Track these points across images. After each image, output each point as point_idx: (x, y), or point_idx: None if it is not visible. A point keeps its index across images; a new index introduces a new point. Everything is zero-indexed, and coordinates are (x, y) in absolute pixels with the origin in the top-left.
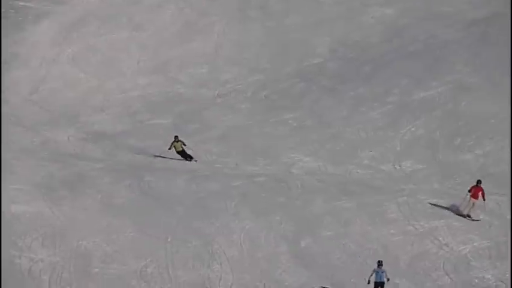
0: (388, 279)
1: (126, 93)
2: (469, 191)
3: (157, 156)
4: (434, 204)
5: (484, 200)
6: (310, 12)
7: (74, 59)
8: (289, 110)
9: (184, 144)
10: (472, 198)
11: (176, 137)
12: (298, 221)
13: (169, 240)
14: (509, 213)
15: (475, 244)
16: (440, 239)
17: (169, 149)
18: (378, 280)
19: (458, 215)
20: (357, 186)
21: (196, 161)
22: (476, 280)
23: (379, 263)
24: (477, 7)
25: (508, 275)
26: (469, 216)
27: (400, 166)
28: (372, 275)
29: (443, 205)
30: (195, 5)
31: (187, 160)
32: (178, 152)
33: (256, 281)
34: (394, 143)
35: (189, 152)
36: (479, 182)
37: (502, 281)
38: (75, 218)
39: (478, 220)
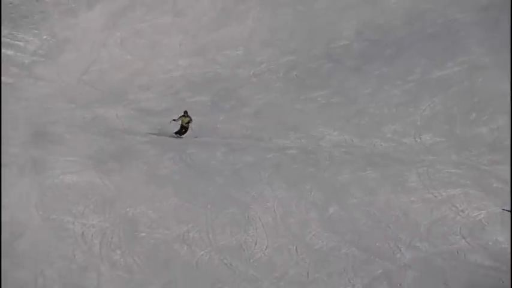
0: None
1: (169, 74)
2: None
3: (175, 121)
4: (452, 174)
5: None
6: None
7: (122, 43)
8: (318, 89)
9: (190, 121)
10: None
11: (185, 111)
12: (326, 190)
13: (209, 207)
14: None
15: (489, 210)
16: (457, 205)
17: (175, 120)
18: None
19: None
20: (381, 158)
21: (196, 137)
22: (490, 243)
23: None
24: None
25: None
26: None
27: (420, 139)
28: None
29: (460, 175)
30: None
31: (176, 136)
32: (182, 126)
33: (289, 245)
34: (414, 118)
35: (190, 130)
36: None
37: None
38: (123, 188)
39: None
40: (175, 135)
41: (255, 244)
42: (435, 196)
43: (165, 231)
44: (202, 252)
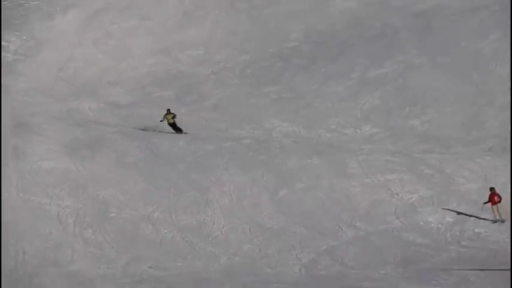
0: None
1: (136, 71)
2: (488, 201)
3: (161, 122)
4: (388, 161)
5: (499, 201)
6: (288, 4)
7: (94, 43)
8: (269, 85)
9: (175, 117)
10: (492, 205)
11: (168, 110)
12: (277, 175)
13: (172, 190)
14: (448, 168)
15: (420, 194)
16: (393, 189)
17: (162, 120)
18: None
19: (492, 221)
20: (325, 147)
21: (186, 133)
22: (421, 223)
23: None
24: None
25: (449, 219)
26: (502, 220)
27: (360, 130)
28: None
29: (395, 162)
30: None
31: (177, 133)
32: (169, 124)
33: (243, 224)
34: (355, 112)
35: (179, 125)
36: (492, 189)
37: (442, 224)
38: (94, 173)
39: (503, 221)
40: (180, 133)
41: (213, 224)
42: (373, 181)
43: (132, 212)
44: (165, 231)
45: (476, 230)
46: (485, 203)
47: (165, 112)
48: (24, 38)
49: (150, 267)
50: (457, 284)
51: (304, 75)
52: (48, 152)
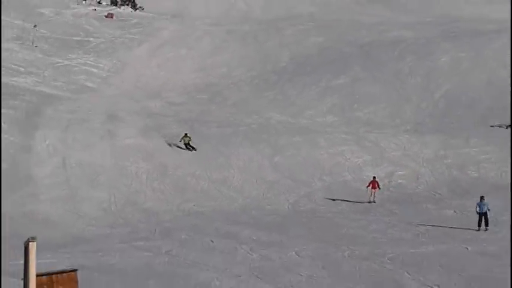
0: (489, 210)
1: (184, 82)
2: (368, 185)
3: (180, 142)
4: (343, 138)
5: (379, 188)
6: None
7: (158, 65)
8: (268, 91)
9: (190, 140)
10: (372, 189)
11: (186, 133)
12: (273, 148)
13: (207, 157)
14: (381, 142)
15: (364, 158)
16: (346, 156)
17: (180, 141)
18: (481, 211)
19: (367, 202)
20: (304, 130)
21: (196, 150)
22: (364, 177)
23: (482, 198)
24: (365, 37)
25: (381, 174)
26: (374, 201)
27: (325, 119)
28: (476, 207)
29: (348, 139)
30: (218, 36)
31: (190, 150)
32: (184, 144)
33: (252, 178)
34: (322, 107)
35: (192, 144)
36: (374, 177)
37: (377, 177)
38: (159, 146)
39: (375, 202)
40: (193, 150)
41: (233, 178)
42: (334, 151)
43: (183, 171)
44: (203, 183)
45: (399, 181)
46: (367, 186)
47: (183, 135)
48: (114, 61)
49: (194, 205)
50: (386, 215)
51: (290, 84)
52: (129, 133)
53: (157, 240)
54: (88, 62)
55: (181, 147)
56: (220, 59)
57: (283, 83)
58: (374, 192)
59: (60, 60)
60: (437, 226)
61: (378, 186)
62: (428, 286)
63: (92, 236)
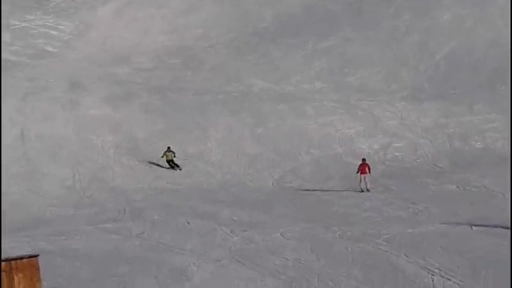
0: None
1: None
2: (358, 170)
3: (162, 158)
4: (333, 107)
5: (369, 172)
6: None
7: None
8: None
9: (174, 156)
10: (362, 174)
11: (168, 147)
12: (256, 118)
13: (182, 129)
14: (375, 110)
15: (356, 129)
16: (336, 126)
17: (162, 156)
18: None
19: (359, 191)
20: (289, 97)
21: (180, 169)
22: (356, 149)
23: None
24: None
25: (376, 146)
26: (367, 190)
27: (313, 85)
28: None
29: (338, 107)
30: None
31: (173, 169)
32: (167, 161)
33: (232, 152)
34: (310, 72)
35: (177, 161)
36: (363, 160)
37: (371, 149)
38: (127, 117)
39: (369, 190)
40: (176, 168)
41: (211, 152)
42: (323, 121)
43: (154, 145)
44: (178, 157)
45: (395, 154)
46: (357, 172)
47: (166, 150)
48: (76, 23)
49: (168, 183)
50: (382, 192)
51: (273, 47)
52: (94, 102)
53: (127, 222)
54: (47, 23)
55: (162, 166)
56: (194, 18)
57: (266, 45)
58: (364, 178)
59: (17, 23)
60: (437, 203)
61: (369, 170)
62: (428, 269)
63: (54, 218)
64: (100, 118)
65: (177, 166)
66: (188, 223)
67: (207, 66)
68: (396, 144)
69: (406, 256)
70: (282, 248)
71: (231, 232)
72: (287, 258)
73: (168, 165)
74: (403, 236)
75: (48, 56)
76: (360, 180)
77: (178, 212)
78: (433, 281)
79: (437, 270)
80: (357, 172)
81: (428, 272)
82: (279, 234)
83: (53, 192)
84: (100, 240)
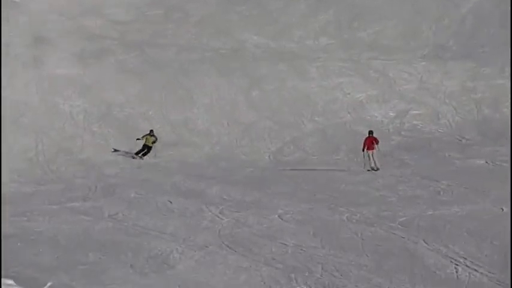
0: None
1: None
2: (363, 146)
3: (138, 140)
4: (341, 67)
5: (377, 147)
6: None
7: None
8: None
9: (155, 142)
10: (368, 150)
11: (151, 131)
12: (250, 79)
13: (163, 92)
14: (390, 71)
15: (367, 93)
16: (345, 90)
17: (139, 139)
18: None
19: (367, 170)
20: (289, 56)
21: (142, 159)
22: (368, 117)
23: None
24: None
25: (391, 113)
26: (374, 169)
27: (318, 41)
28: None
29: (347, 67)
30: None
31: (141, 156)
32: (145, 145)
33: (222, 120)
34: (314, 26)
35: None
36: (370, 133)
37: (385, 117)
38: (99, 78)
39: (378, 169)
40: (135, 156)
41: (197, 119)
42: (329, 83)
43: (131, 110)
44: (158, 125)
45: (414, 123)
46: (362, 149)
47: (148, 133)
48: None
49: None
50: (398, 167)
51: None
52: (61, 61)
53: (99, 201)
54: None
55: (120, 151)
56: None
57: None
58: (372, 155)
59: None
60: (463, 180)
61: (377, 143)
62: (452, 258)
63: (14, 195)
64: (68, 79)
65: (146, 154)
66: (170, 202)
67: (193, 19)
68: (415, 112)
69: (426, 242)
70: (279, 233)
71: (220, 213)
72: (286, 244)
73: (141, 150)
74: (423, 218)
75: (9, 6)
76: (368, 158)
77: (159, 189)
78: (457, 271)
79: (462, 259)
80: (363, 149)
81: (451, 261)
82: (276, 216)
83: (13, 165)
84: (67, 222)
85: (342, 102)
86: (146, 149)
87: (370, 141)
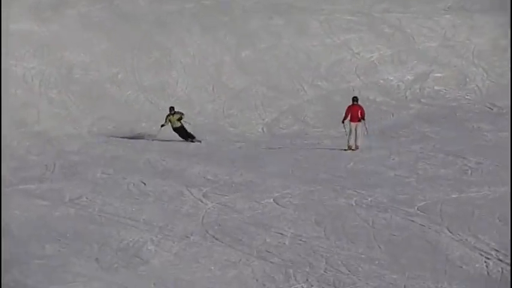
0: None
1: None
2: (345, 117)
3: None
4: (349, 21)
5: (363, 119)
6: None
7: None
8: None
9: (181, 118)
10: (352, 123)
11: (171, 108)
12: (239, 36)
13: (135, 51)
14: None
15: (381, 52)
16: (353, 48)
17: (163, 125)
18: None
19: (346, 149)
20: (287, 7)
21: (200, 141)
22: (381, 81)
23: None
24: None
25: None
26: (351, 148)
27: None
28: None
29: (356, 21)
30: None
31: (187, 140)
32: (175, 129)
33: (206, 84)
34: None
35: (188, 128)
36: (355, 99)
37: (402, 81)
38: (58, 34)
39: (357, 148)
40: (192, 140)
41: (176, 84)
42: (334, 40)
43: (96, 73)
44: (129, 92)
45: (436, 88)
46: (343, 120)
47: (168, 113)
48: None
49: (115, 127)
50: (417, 141)
51: None
52: (14, 15)
53: (58, 182)
54: None
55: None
56: None
57: None
58: (355, 129)
59: None
60: (494, 157)
61: (362, 116)
62: (481, 251)
63: None
64: (21, 36)
65: (192, 136)
66: (144, 184)
67: None
68: (437, 74)
69: (450, 232)
70: (275, 220)
71: (203, 197)
72: (282, 234)
73: (179, 135)
74: (447, 203)
75: None
76: (349, 132)
77: (130, 168)
78: (487, 266)
79: (493, 252)
80: (343, 119)
81: (481, 254)
82: (271, 200)
83: None
84: (20, 208)
85: (350, 63)
86: (181, 133)
87: (356, 111)
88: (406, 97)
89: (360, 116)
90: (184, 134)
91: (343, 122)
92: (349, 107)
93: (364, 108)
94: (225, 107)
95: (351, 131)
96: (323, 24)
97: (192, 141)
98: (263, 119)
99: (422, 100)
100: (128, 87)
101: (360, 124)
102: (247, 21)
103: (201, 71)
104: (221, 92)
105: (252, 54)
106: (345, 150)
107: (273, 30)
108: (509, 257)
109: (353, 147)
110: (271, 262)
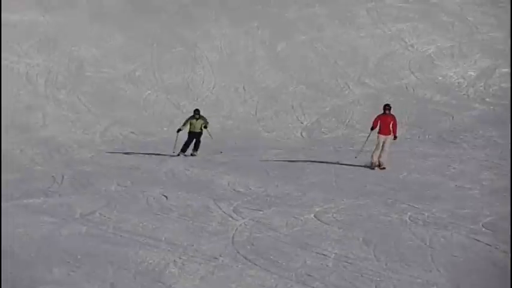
0: None
1: None
2: (373, 125)
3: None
4: (401, 8)
5: (394, 135)
6: None
7: None
8: None
9: (206, 127)
10: (380, 135)
11: (197, 111)
12: (274, 27)
13: (154, 46)
14: (470, 14)
15: (438, 44)
16: (406, 40)
17: (180, 129)
18: None
19: (369, 167)
20: None
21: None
22: (440, 77)
23: None
24: None
25: (471, 73)
26: (375, 165)
27: None
28: None
29: (409, 9)
30: None
31: (187, 152)
32: (191, 132)
33: (236, 83)
34: None
35: (202, 139)
36: (387, 108)
37: (463, 78)
38: (66, 26)
39: (380, 166)
40: (192, 152)
41: (202, 83)
42: (384, 31)
43: (111, 70)
44: (148, 92)
45: (503, 85)
46: (371, 128)
47: (192, 115)
48: None
49: (132, 132)
50: (482, 147)
51: None
52: (16, 3)
53: (67, 196)
54: None
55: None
56: None
57: None
58: (383, 144)
59: None
60: None
61: (394, 130)
62: None
63: None
64: (25, 27)
65: (196, 150)
66: (165, 197)
67: None
68: (504, 70)
69: None
70: (316, 239)
71: (234, 212)
72: (325, 255)
73: (185, 142)
74: None
75: None
76: (376, 148)
77: (150, 180)
78: None
79: None
80: (371, 128)
81: None
82: (312, 215)
83: None
84: (23, 225)
85: (403, 57)
86: (194, 139)
87: (387, 122)
88: (468, 96)
89: (391, 128)
90: (194, 144)
91: (371, 130)
92: (379, 116)
93: (397, 120)
94: (258, 109)
95: (378, 144)
96: (371, 13)
97: (192, 155)
98: (302, 123)
99: (487, 100)
100: (146, 87)
101: (389, 138)
102: (284, 10)
103: (230, 67)
104: (253, 91)
105: (288, 48)
106: (371, 167)
107: (313, 21)
108: None
109: (376, 164)
110: (312, 287)
